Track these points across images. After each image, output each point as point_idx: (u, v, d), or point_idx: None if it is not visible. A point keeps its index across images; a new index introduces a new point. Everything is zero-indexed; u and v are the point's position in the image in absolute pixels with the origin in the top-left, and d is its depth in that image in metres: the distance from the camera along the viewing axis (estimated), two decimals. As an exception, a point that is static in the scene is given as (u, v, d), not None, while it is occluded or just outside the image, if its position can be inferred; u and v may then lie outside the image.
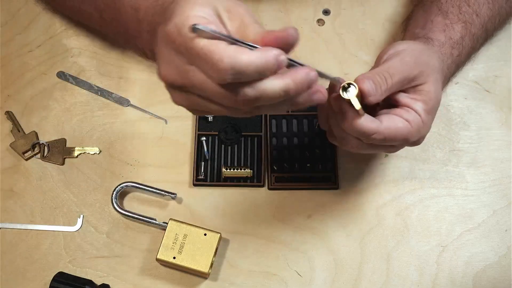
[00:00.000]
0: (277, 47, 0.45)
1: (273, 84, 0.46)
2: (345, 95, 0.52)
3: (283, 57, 0.45)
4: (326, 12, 0.78)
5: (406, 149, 0.68)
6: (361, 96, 0.52)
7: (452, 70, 0.64)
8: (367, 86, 0.52)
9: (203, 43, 0.44)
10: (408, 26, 0.69)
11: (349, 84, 0.52)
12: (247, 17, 0.47)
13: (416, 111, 0.56)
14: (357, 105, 0.52)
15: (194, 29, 0.44)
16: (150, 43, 0.54)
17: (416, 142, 0.57)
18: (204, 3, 0.47)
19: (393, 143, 0.56)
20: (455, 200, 0.67)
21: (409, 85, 0.56)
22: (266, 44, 0.45)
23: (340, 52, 0.75)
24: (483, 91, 0.72)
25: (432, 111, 0.57)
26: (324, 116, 0.58)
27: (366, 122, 0.53)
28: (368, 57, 0.74)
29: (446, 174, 0.68)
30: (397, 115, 0.55)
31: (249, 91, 0.45)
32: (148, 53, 0.61)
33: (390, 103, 0.57)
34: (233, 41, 0.45)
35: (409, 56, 0.56)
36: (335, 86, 0.54)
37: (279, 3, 0.78)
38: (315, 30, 0.76)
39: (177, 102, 0.50)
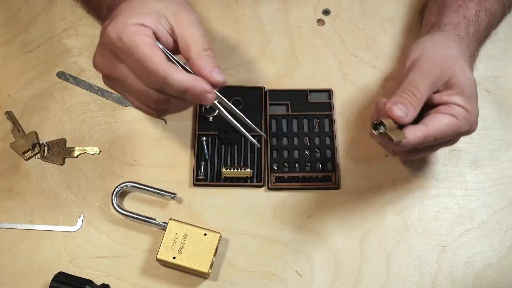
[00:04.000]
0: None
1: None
2: (377, 133, 0.55)
3: (211, 96, 0.52)
4: (326, 12, 0.78)
5: (406, 149, 0.69)
6: (395, 121, 0.55)
7: (473, 46, 0.65)
8: (398, 112, 0.55)
9: (145, 52, 0.50)
10: (424, 15, 0.71)
11: (379, 121, 0.55)
12: (196, 30, 0.53)
13: (457, 104, 0.57)
14: (390, 137, 0.54)
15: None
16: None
17: (469, 131, 0.59)
18: (150, 12, 0.52)
19: (445, 139, 0.58)
20: (455, 200, 0.67)
21: (438, 86, 0.58)
22: (198, 70, 0.52)
23: (340, 52, 0.75)
24: (483, 91, 0.72)
25: (471, 97, 0.58)
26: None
27: (411, 136, 0.55)
28: (368, 57, 0.74)
29: (446, 174, 0.68)
30: (441, 113, 0.57)
31: (162, 97, 0.53)
32: None
33: (431, 105, 0.58)
34: (172, 59, 0.53)
35: (425, 61, 0.58)
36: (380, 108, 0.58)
37: (279, 3, 0.78)
38: (315, 30, 0.76)
39: (105, 83, 0.57)
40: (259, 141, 0.68)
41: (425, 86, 0.57)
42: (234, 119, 0.55)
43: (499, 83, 0.73)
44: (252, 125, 0.57)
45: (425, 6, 0.72)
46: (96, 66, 0.55)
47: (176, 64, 0.53)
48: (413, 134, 0.55)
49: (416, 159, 0.64)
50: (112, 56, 0.53)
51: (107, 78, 0.56)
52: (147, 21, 0.51)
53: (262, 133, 0.61)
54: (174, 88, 0.51)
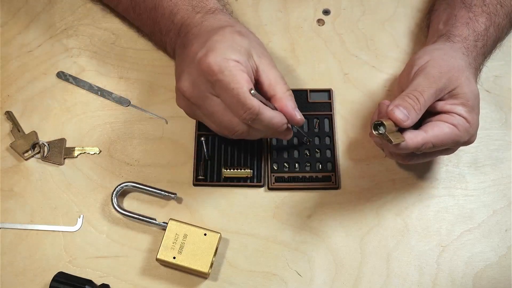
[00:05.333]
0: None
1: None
2: (376, 133, 0.56)
3: (286, 126, 0.60)
4: (326, 12, 0.78)
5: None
6: (396, 123, 0.56)
7: (479, 61, 0.66)
8: (398, 115, 0.56)
9: (247, 94, 0.55)
10: (431, 21, 0.71)
11: (380, 122, 0.55)
12: (277, 71, 0.60)
13: (459, 114, 0.58)
14: (389, 139, 0.55)
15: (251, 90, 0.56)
16: (174, 43, 0.65)
17: (468, 142, 0.60)
18: (243, 51, 0.57)
19: (443, 148, 0.59)
20: (455, 200, 0.67)
21: (443, 94, 0.58)
22: (282, 108, 0.59)
23: (340, 52, 0.75)
24: (483, 91, 0.72)
25: (474, 108, 0.59)
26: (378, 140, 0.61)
27: (411, 140, 0.56)
28: (368, 57, 0.74)
29: (446, 174, 0.68)
30: (442, 121, 0.58)
31: (246, 128, 0.58)
32: (168, 50, 0.69)
33: (433, 112, 0.59)
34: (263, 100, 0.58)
35: (434, 68, 0.59)
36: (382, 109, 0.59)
37: (279, 3, 0.78)
38: (315, 30, 0.76)
39: (179, 105, 0.60)
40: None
41: (430, 93, 0.57)
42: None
43: (499, 83, 0.73)
44: (302, 132, 0.68)
45: (431, 10, 0.72)
46: (183, 91, 0.58)
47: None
48: (413, 139, 0.56)
49: (411, 164, 0.64)
50: (206, 88, 0.56)
51: (188, 102, 0.59)
52: (242, 60, 0.56)
53: (309, 139, 0.69)
54: (263, 123, 0.57)
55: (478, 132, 0.70)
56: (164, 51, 0.72)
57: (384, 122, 0.55)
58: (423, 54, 0.62)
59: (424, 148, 0.57)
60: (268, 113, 0.57)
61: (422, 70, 0.59)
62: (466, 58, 0.62)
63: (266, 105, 0.58)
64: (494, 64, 0.73)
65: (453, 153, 0.69)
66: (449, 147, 0.59)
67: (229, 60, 0.54)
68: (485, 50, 0.66)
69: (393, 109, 0.56)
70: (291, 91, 0.60)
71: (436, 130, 0.57)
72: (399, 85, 0.64)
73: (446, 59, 0.60)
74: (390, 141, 0.55)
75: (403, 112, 0.56)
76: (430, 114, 0.59)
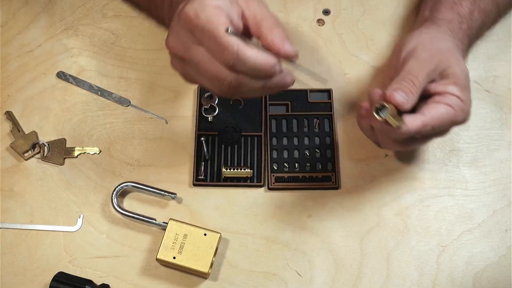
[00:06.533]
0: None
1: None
2: (379, 118, 0.55)
3: (278, 67, 0.54)
4: (326, 12, 0.78)
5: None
6: (396, 107, 0.56)
7: (466, 42, 0.66)
8: (399, 98, 0.56)
9: (222, 33, 0.52)
10: (420, 10, 0.72)
11: (381, 105, 0.55)
12: (265, 10, 0.55)
13: (452, 94, 0.58)
14: (394, 122, 0.55)
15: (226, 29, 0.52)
16: (170, 15, 0.61)
17: (464, 121, 0.60)
18: (437, 70, 0.57)
19: (441, 129, 0.59)
20: (455, 200, 0.67)
21: (434, 75, 0.59)
22: (269, 45, 0.54)
23: (340, 52, 0.75)
24: (483, 91, 0.72)
25: (466, 87, 0.59)
26: (368, 129, 0.61)
27: (410, 123, 0.56)
28: (368, 57, 0.74)
29: (446, 174, 0.68)
30: (437, 102, 0.58)
31: (234, 77, 0.54)
32: (166, 23, 0.66)
33: (425, 95, 0.59)
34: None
35: (423, 51, 0.59)
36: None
37: (279, 3, 0.78)
38: (315, 30, 0.76)
39: (174, 66, 0.58)
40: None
41: (423, 75, 0.58)
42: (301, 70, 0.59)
43: (499, 83, 0.73)
44: (316, 73, 0.63)
45: (420, 3, 0.73)
46: (170, 46, 0.57)
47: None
48: (413, 122, 0.56)
49: (409, 149, 0.64)
50: (188, 37, 0.54)
51: (178, 60, 0.57)
52: (222, 4, 0.54)
53: (325, 79, 0.65)
54: (247, 64, 0.53)
55: (478, 132, 0.70)
56: (164, 26, 0.71)
57: (387, 105, 0.55)
58: (410, 39, 0.62)
59: (424, 131, 0.57)
60: (249, 52, 0.52)
61: (411, 54, 0.60)
62: (453, 39, 0.63)
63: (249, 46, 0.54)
64: (494, 64, 0.73)
65: (453, 154, 0.69)
66: (446, 128, 0.59)
67: (206, 6, 0.53)
68: (470, 33, 0.67)
69: (392, 93, 0.56)
70: (281, 26, 0.55)
71: (433, 112, 0.57)
72: (387, 72, 0.65)
73: (434, 42, 0.61)
74: (395, 124, 0.55)
75: (402, 95, 0.56)
76: (423, 98, 0.59)
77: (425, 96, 0.59)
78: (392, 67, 0.63)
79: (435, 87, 0.59)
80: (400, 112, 0.56)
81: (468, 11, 0.66)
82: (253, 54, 0.53)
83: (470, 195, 0.67)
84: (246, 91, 0.55)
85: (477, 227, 0.65)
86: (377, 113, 0.56)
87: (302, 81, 0.64)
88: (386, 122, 0.55)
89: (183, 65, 0.57)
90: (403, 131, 0.56)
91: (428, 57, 0.59)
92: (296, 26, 0.76)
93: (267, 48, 0.54)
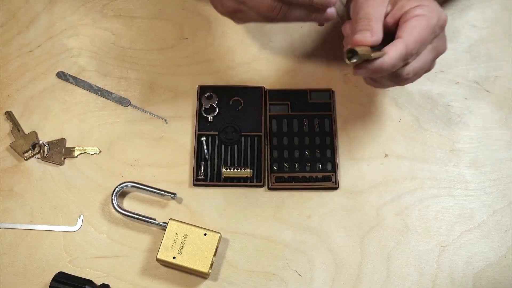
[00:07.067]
0: None
1: None
2: (352, 62, 0.52)
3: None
4: (326, 12, 0.77)
5: (406, 149, 0.68)
6: (364, 44, 0.53)
7: None
8: (361, 37, 0.54)
9: None
10: None
11: (348, 50, 0.52)
12: None
13: (412, 7, 0.56)
14: (370, 55, 0.52)
15: None
16: None
17: (441, 20, 0.57)
18: (384, 1, 0.56)
19: (426, 41, 0.56)
20: (455, 200, 0.67)
21: (385, 7, 0.57)
22: None
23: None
24: (483, 91, 0.72)
25: None
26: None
27: (392, 50, 0.54)
28: (368, 57, 0.74)
29: (446, 174, 0.68)
30: (405, 21, 0.56)
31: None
32: None
33: (392, 29, 0.57)
34: None
35: None
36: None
37: (279, 3, 0.78)
38: (315, 30, 0.76)
39: (223, 6, 0.58)
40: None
41: (372, 8, 0.56)
42: None
43: (499, 83, 0.73)
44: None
45: None
46: None
47: None
48: (393, 48, 0.54)
49: (408, 82, 0.61)
50: None
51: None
52: None
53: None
54: None
55: (478, 132, 0.70)
56: None
57: (356, 49, 0.52)
58: None
59: (410, 51, 0.55)
60: None
61: (356, 4, 0.58)
62: None
63: None
64: (494, 64, 0.73)
65: (453, 153, 0.69)
66: (428, 38, 0.56)
67: None
68: None
69: (352, 38, 0.54)
70: None
71: (408, 30, 0.55)
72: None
73: None
74: (370, 57, 0.52)
75: (362, 33, 0.54)
76: (391, 33, 0.57)
77: (392, 25, 0.57)
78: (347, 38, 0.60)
79: (393, 15, 0.57)
80: (376, 48, 0.54)
81: None
82: None
83: (470, 195, 0.67)
84: (290, 17, 0.57)
85: (477, 227, 0.65)
86: (349, 59, 0.52)
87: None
88: (362, 60, 0.52)
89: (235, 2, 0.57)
90: (389, 60, 0.53)
91: None
92: (296, 26, 0.76)
93: None
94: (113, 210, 0.65)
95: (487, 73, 0.73)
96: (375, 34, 0.55)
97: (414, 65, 0.57)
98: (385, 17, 0.57)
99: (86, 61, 0.74)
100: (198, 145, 0.68)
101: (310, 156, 0.68)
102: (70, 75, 0.73)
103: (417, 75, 0.59)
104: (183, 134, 0.70)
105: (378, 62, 0.53)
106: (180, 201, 0.67)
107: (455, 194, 0.67)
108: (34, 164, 0.68)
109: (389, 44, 0.54)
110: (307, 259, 0.64)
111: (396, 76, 0.58)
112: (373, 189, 0.67)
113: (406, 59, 0.55)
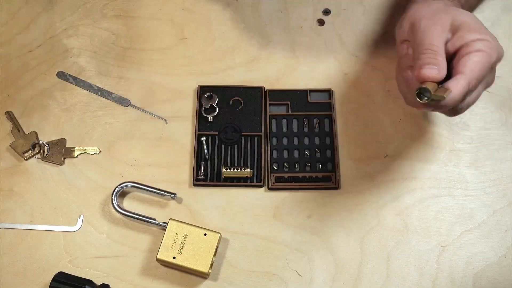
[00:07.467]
0: None
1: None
2: (424, 101, 0.53)
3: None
4: (326, 12, 0.78)
5: (407, 149, 0.68)
6: (432, 81, 0.54)
7: (462, 2, 0.65)
8: (429, 73, 0.54)
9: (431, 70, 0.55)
10: None
11: (419, 88, 0.53)
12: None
13: (473, 40, 0.56)
14: (440, 96, 0.52)
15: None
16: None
17: (499, 57, 0.58)
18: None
19: (484, 76, 0.57)
20: (455, 200, 0.67)
21: (446, 34, 0.57)
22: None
23: (340, 52, 0.75)
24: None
25: (481, 27, 0.58)
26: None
27: (455, 87, 0.54)
28: (368, 57, 0.74)
29: (446, 174, 0.68)
30: (466, 55, 0.56)
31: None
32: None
33: (450, 58, 0.57)
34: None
35: (422, 20, 0.58)
36: None
37: (279, 3, 0.78)
38: (315, 30, 0.76)
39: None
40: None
41: (436, 38, 0.56)
42: None
43: (499, 83, 0.73)
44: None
45: None
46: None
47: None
48: (456, 85, 0.54)
49: (458, 114, 0.61)
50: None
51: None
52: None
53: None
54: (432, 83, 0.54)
55: (478, 132, 0.70)
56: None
57: (425, 86, 0.52)
58: (402, 21, 0.61)
59: (471, 88, 0.55)
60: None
61: (412, 30, 0.58)
62: (441, 1, 0.62)
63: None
64: (494, 64, 0.73)
65: (453, 153, 0.69)
66: (487, 73, 0.57)
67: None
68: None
69: (420, 71, 0.54)
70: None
71: (468, 64, 0.55)
72: (402, 63, 0.63)
73: (424, 9, 0.60)
74: (442, 97, 0.52)
75: (431, 67, 0.54)
76: (449, 62, 0.57)
77: (451, 59, 0.57)
78: (405, 56, 0.61)
79: (453, 43, 0.57)
80: (439, 84, 0.54)
81: None
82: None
83: (470, 195, 0.67)
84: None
85: (477, 227, 0.65)
86: (421, 98, 0.53)
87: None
88: (432, 100, 0.53)
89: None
90: (453, 98, 0.53)
91: (430, 22, 0.57)
92: (296, 26, 0.77)
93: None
94: (113, 210, 0.65)
95: (487, 73, 0.73)
96: (442, 70, 0.54)
97: (468, 100, 0.58)
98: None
99: (86, 61, 0.74)
100: (198, 145, 0.68)
101: (310, 156, 0.68)
102: (70, 75, 0.73)
103: (468, 108, 0.60)
104: (183, 134, 0.70)
105: (445, 101, 0.53)
106: (180, 201, 0.67)
107: (455, 194, 0.67)
108: (34, 164, 0.68)
109: (452, 81, 0.54)
110: (307, 259, 0.64)
111: (451, 110, 0.58)
112: (373, 189, 0.67)
113: (466, 96, 0.56)
